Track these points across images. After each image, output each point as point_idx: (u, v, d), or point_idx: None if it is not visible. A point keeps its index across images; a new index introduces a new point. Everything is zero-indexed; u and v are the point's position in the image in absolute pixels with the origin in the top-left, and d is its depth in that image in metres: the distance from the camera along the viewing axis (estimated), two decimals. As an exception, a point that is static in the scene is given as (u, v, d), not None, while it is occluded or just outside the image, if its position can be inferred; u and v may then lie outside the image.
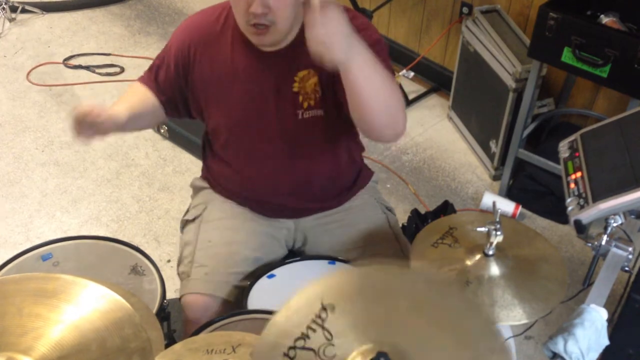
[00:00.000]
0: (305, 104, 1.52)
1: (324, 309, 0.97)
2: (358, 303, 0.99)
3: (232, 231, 1.66)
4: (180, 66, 1.56)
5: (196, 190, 1.80)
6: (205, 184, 1.77)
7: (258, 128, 1.56)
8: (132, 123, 1.52)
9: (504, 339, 0.97)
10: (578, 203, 1.33)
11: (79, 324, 0.95)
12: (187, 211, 1.78)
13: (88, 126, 1.39)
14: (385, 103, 1.33)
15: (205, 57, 1.54)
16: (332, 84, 1.49)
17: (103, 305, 0.98)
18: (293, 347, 0.94)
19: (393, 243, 1.68)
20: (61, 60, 3.58)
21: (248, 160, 1.62)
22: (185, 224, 1.75)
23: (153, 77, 1.62)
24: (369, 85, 1.28)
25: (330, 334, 0.95)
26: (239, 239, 1.65)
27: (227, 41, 1.52)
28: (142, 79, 1.64)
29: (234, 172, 1.66)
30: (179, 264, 1.68)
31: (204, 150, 1.76)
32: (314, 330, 0.95)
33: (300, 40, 1.46)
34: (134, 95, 1.61)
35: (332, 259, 1.63)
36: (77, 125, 1.39)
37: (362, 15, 1.59)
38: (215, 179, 1.73)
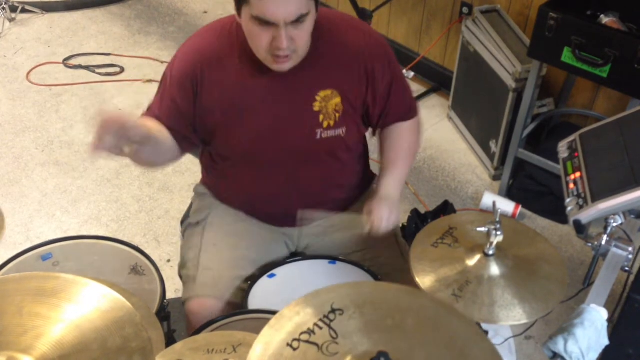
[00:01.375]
0: (326, 124, 1.50)
1: (333, 311, 0.98)
2: (367, 312, 1.01)
3: (237, 236, 1.65)
4: (190, 94, 1.47)
5: (199, 195, 1.77)
6: (207, 191, 1.74)
7: (272, 148, 1.53)
8: (152, 147, 1.39)
9: None
10: (577, 203, 1.33)
11: (80, 323, 0.95)
12: (188, 215, 1.77)
13: (113, 133, 1.25)
14: (412, 163, 1.69)
15: (213, 81, 1.47)
16: (355, 103, 1.52)
17: (104, 304, 0.98)
18: (297, 340, 0.95)
19: (392, 244, 1.68)
20: (61, 60, 3.58)
21: (258, 179, 1.59)
22: (187, 227, 1.73)
23: (162, 115, 1.50)
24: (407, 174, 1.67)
25: (336, 333, 0.96)
26: (245, 244, 1.64)
27: (235, 62, 1.46)
28: (149, 112, 1.53)
29: (241, 191, 1.64)
30: (181, 267, 1.66)
31: (205, 167, 1.72)
32: (321, 328, 0.97)
33: (316, 58, 1.46)
34: (151, 122, 1.48)
35: (333, 259, 1.63)
36: (103, 130, 1.23)
37: (369, 29, 1.59)
38: (219, 194, 1.71)
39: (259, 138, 1.52)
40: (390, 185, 1.56)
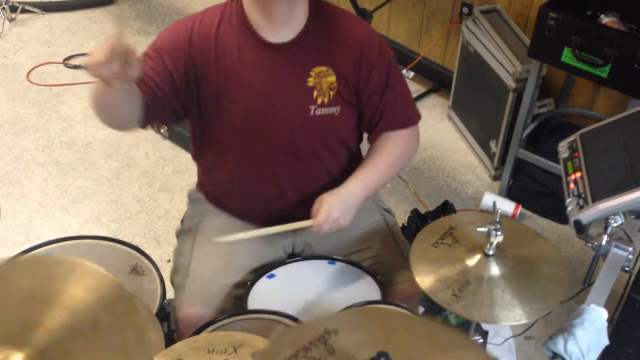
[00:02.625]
0: (319, 100, 1.50)
1: (327, 332, 0.99)
2: (361, 332, 1.02)
3: (228, 244, 1.61)
4: (183, 65, 1.46)
5: (193, 201, 1.76)
6: (201, 196, 1.73)
7: (267, 125, 1.52)
8: (130, 93, 1.35)
9: None
10: (577, 203, 1.34)
11: (69, 304, 0.94)
12: (183, 221, 1.76)
13: (117, 61, 1.18)
14: (393, 175, 1.66)
15: (211, 54, 1.47)
16: (350, 85, 1.51)
17: (90, 282, 0.96)
18: (295, 356, 0.95)
19: (391, 244, 1.68)
20: (61, 60, 3.58)
21: (251, 163, 1.58)
22: (180, 233, 1.72)
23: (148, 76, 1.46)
24: (381, 183, 1.62)
25: (333, 349, 0.97)
26: (236, 250, 1.61)
27: (233, 36, 1.47)
28: None
29: (233, 182, 1.62)
30: (173, 274, 1.65)
31: (198, 162, 1.70)
32: (317, 346, 0.97)
33: (312, 34, 1.47)
34: None
35: (332, 259, 1.63)
36: (110, 53, 1.17)
37: (372, 31, 1.58)
38: (213, 193, 1.70)
39: (252, 112, 1.51)
40: (354, 186, 1.53)
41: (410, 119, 1.62)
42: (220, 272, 1.58)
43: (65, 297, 0.94)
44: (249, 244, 1.64)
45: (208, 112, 1.54)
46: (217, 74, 1.48)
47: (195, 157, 1.71)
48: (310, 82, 1.49)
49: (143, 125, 1.49)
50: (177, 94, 1.49)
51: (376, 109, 1.57)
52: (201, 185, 1.74)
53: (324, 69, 1.49)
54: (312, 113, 1.51)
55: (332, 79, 1.50)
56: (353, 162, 1.66)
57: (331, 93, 1.51)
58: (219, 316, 1.49)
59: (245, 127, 1.53)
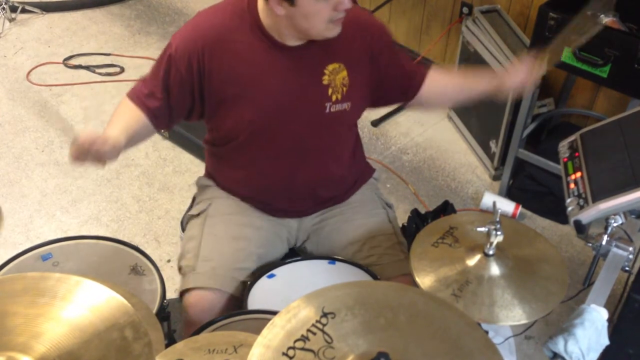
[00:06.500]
0: (334, 97, 1.54)
1: (324, 315, 0.98)
2: (358, 313, 1.01)
3: (238, 226, 1.65)
4: (195, 68, 1.48)
5: (201, 188, 1.78)
6: (210, 182, 1.75)
7: (283, 123, 1.54)
8: (128, 144, 1.48)
9: (501, 356, 0.98)
10: (578, 203, 1.34)
11: (77, 322, 0.95)
12: (191, 207, 1.77)
13: (90, 155, 1.35)
14: None
15: (224, 56, 1.48)
16: (362, 75, 1.56)
17: (101, 303, 0.98)
18: (292, 348, 0.95)
19: (392, 238, 1.69)
20: (61, 60, 3.58)
21: (264, 159, 1.60)
22: (189, 219, 1.73)
23: (160, 84, 1.52)
24: None
25: (330, 338, 0.96)
26: (245, 235, 1.64)
27: (246, 39, 1.48)
28: (134, 94, 1.54)
29: (245, 175, 1.65)
30: (180, 259, 1.66)
31: (209, 155, 1.72)
32: (314, 334, 0.96)
33: None
34: (126, 115, 1.52)
35: (332, 259, 1.63)
36: (79, 153, 1.34)
37: (371, 16, 1.62)
38: (222, 183, 1.72)
39: (268, 113, 1.53)
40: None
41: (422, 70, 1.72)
42: (230, 257, 1.60)
43: (75, 314, 0.96)
44: (257, 230, 1.66)
45: (223, 113, 1.56)
46: (231, 75, 1.50)
47: (209, 151, 1.73)
48: (325, 79, 1.52)
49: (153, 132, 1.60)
50: (192, 97, 1.54)
51: (402, 76, 1.65)
52: (212, 175, 1.75)
53: (336, 65, 1.53)
54: (327, 110, 1.55)
55: (344, 74, 1.54)
56: (355, 144, 1.72)
57: (344, 89, 1.54)
58: (227, 303, 1.52)
59: (260, 126, 1.55)
